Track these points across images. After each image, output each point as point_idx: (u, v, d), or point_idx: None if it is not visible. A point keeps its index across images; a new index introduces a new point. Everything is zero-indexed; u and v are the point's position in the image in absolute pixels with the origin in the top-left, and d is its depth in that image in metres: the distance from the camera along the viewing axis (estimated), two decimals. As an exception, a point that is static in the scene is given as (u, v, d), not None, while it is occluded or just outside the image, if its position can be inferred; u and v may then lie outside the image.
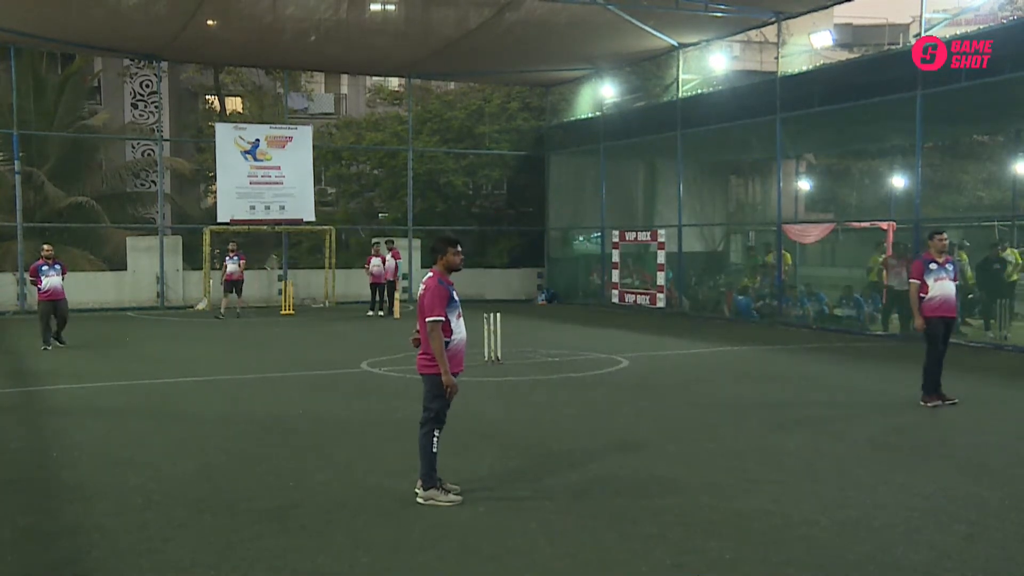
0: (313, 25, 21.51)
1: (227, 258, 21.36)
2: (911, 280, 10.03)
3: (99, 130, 28.53)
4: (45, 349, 14.95)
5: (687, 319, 21.28)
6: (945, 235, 10.05)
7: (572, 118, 27.58)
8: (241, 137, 24.23)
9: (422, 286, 6.39)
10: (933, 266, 9.82)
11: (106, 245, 26.07)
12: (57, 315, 15.25)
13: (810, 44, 22.25)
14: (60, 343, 15.29)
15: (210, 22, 21.20)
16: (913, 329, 10.27)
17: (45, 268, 15.25)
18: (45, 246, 15.92)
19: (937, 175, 26.00)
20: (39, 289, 15.25)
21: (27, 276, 15.89)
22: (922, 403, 9.82)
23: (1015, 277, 16.85)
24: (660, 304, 22.70)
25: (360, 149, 29.95)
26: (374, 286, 22.08)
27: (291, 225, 25.03)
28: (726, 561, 5.17)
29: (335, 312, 23.36)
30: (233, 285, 21.20)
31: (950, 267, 9.88)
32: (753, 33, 27.15)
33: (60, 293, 15.24)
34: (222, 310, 21.26)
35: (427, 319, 6.23)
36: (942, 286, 9.78)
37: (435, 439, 6.30)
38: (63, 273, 15.50)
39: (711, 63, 23.84)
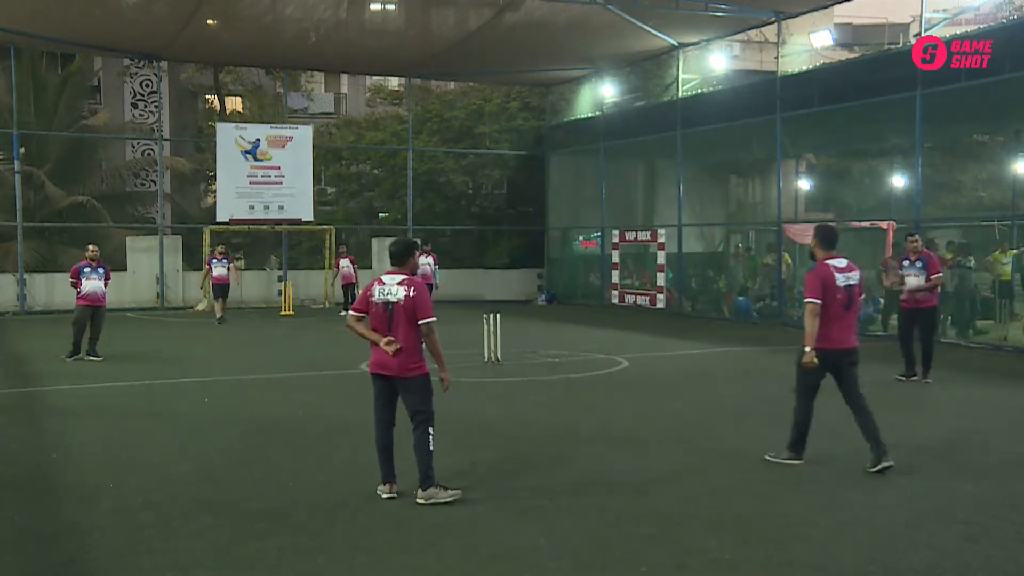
0: (313, 25, 21.50)
1: (214, 261, 20.26)
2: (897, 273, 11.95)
3: (99, 130, 28.52)
4: (72, 359, 13.39)
5: (687, 320, 21.28)
6: (917, 236, 11.81)
7: (572, 118, 27.57)
8: (242, 137, 24.24)
9: (408, 289, 6.28)
10: (906, 263, 11.58)
11: (106, 245, 26.03)
12: (92, 324, 13.60)
13: (810, 44, 22.29)
14: (94, 357, 13.56)
15: (210, 22, 21.20)
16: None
17: (87, 270, 13.65)
18: (90, 247, 14.11)
19: (937, 175, 25.96)
20: (77, 292, 13.69)
21: (68, 277, 14.08)
22: (898, 378, 11.65)
23: (1006, 276, 16.97)
24: (660, 305, 22.69)
25: (360, 149, 29.96)
26: (346, 287, 22.16)
27: (290, 225, 25.04)
28: (726, 561, 5.17)
29: (335, 313, 23.34)
30: (222, 289, 20.08)
31: (919, 264, 11.44)
32: (753, 33, 27.17)
33: (100, 299, 13.70)
34: (218, 315, 20.13)
35: (426, 320, 6.25)
36: (912, 281, 11.46)
37: (431, 437, 6.29)
38: (107, 278, 13.90)
39: (711, 63, 23.84)
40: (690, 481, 6.92)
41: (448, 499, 6.20)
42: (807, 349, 7.15)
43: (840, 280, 7.24)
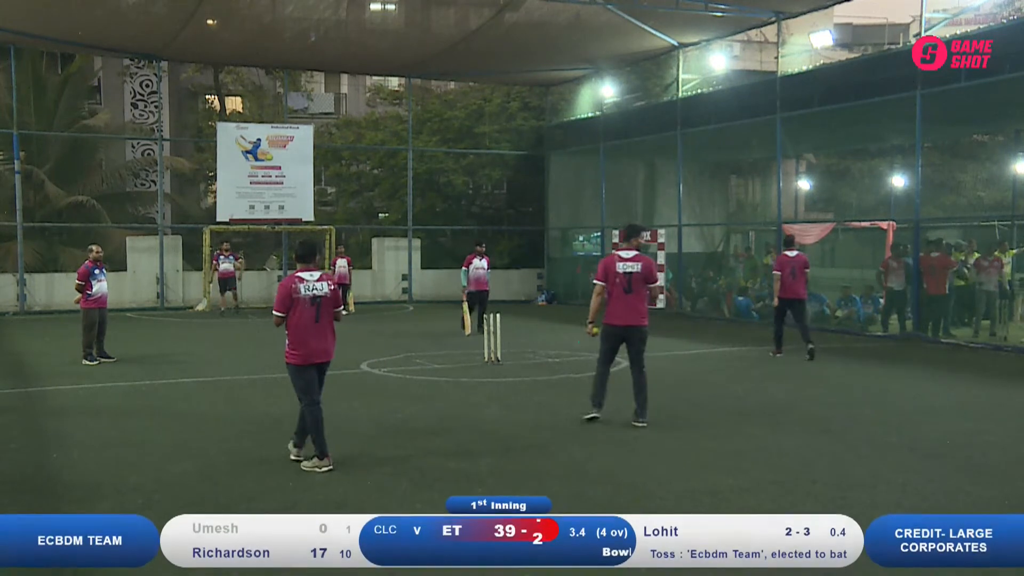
0: (313, 25, 21.51)
1: (220, 256, 21.82)
2: (775, 272, 13.70)
3: (99, 130, 28.47)
4: (91, 363, 13.20)
5: (687, 320, 21.28)
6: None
7: (572, 118, 27.56)
8: (243, 136, 24.22)
9: (329, 283, 7.39)
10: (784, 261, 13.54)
11: (106, 245, 25.97)
12: (100, 325, 13.38)
13: (810, 44, 22.26)
14: (108, 358, 13.47)
15: (210, 22, 21.19)
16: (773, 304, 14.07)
17: (97, 272, 13.24)
18: (94, 247, 13.57)
19: (937, 175, 25.98)
20: (87, 295, 13.15)
21: (76, 280, 13.35)
22: (771, 354, 13.76)
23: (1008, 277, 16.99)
24: (660, 305, 22.66)
25: (360, 149, 29.96)
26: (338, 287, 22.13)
27: (290, 225, 25.04)
28: (726, 561, 5.17)
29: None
30: (228, 283, 21.75)
31: (788, 265, 13.41)
32: (753, 33, 27.16)
33: (106, 300, 13.54)
34: (223, 308, 21.71)
35: (340, 307, 7.58)
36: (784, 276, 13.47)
37: None
38: None
39: (711, 63, 23.81)
40: (690, 481, 6.93)
41: (327, 468, 7.10)
42: (588, 322, 9.19)
43: (620, 267, 8.78)
